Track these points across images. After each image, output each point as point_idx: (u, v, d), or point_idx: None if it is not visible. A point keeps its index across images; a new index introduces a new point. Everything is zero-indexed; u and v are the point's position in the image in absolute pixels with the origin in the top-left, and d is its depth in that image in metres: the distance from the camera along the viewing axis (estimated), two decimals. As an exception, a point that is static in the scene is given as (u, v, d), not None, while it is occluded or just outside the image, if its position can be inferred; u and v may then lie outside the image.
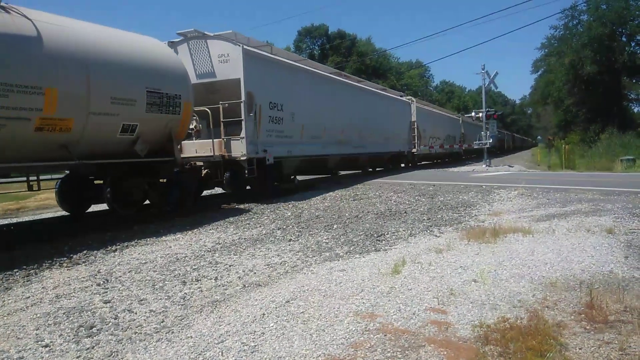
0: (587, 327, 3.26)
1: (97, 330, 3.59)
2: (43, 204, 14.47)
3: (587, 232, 6.32)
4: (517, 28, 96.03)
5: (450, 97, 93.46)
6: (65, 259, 6.03)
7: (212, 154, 10.90)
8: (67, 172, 9.39)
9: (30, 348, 3.28)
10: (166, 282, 4.86)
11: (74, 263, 5.87)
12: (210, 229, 7.97)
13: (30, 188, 8.16)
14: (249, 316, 3.75)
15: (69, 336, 3.49)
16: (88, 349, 3.26)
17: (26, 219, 10.92)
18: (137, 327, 3.63)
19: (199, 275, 5.10)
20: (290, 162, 13.59)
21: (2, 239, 7.73)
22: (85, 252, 6.36)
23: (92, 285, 4.83)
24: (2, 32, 6.40)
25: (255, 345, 3.19)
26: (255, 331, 3.44)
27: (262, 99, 11.76)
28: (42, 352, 3.21)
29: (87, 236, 7.36)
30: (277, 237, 7.12)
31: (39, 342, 3.37)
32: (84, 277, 5.16)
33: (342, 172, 20.10)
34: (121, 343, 3.34)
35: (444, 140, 31.10)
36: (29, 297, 4.53)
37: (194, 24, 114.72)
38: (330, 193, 12.73)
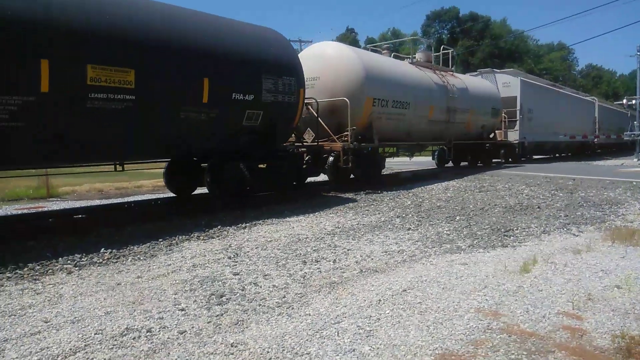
0: None
1: (226, 299, 3.88)
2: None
3: None
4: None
5: (597, 82, 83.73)
6: (202, 232, 6.61)
7: (499, 139, 18.75)
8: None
9: (169, 310, 3.65)
10: (288, 261, 5.09)
11: (209, 237, 6.42)
12: (330, 213, 8.15)
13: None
14: (365, 301, 3.77)
15: (202, 302, 3.82)
16: (217, 315, 3.53)
17: (171, 195, 12.18)
18: (261, 300, 3.86)
19: (319, 256, 5.25)
20: (531, 145, 21.49)
21: (150, 212, 8.72)
22: (219, 227, 6.91)
23: (223, 258, 5.24)
24: (459, 86, 15.52)
25: (370, 330, 3.20)
26: (370, 316, 3.44)
27: (525, 107, 20.41)
28: (178, 315, 3.55)
29: (221, 213, 7.99)
30: (396, 225, 7.05)
31: (177, 306, 3.74)
32: (217, 250, 5.62)
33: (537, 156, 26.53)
34: (246, 313, 3.57)
35: (616, 131, 34.92)
36: (170, 264, 5.05)
37: (315, 15, 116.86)
38: (453, 183, 12.25)
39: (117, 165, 7.84)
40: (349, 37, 68.15)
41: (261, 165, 9.27)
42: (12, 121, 5.49)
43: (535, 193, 10.08)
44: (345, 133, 10.65)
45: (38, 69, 5.52)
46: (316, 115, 10.56)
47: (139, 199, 10.93)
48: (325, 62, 11.25)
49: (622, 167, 18.46)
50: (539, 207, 8.31)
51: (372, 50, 14.26)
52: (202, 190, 10.08)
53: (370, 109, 11.39)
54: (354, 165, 10.73)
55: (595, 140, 30.65)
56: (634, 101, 25.03)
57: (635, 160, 22.34)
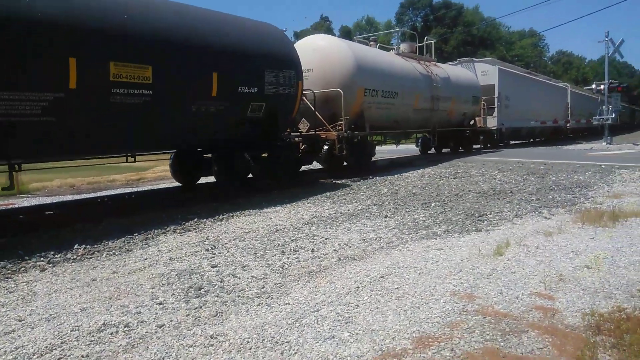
0: None
1: (205, 291, 3.87)
2: (159, 175, 15.79)
3: None
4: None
5: (567, 68, 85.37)
6: (178, 225, 6.54)
7: (479, 125, 19.33)
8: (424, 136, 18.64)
9: (146, 304, 3.62)
10: (267, 251, 5.09)
11: (186, 230, 6.36)
12: (307, 203, 8.17)
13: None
14: (343, 288, 3.81)
15: (180, 296, 3.80)
16: (196, 308, 3.52)
17: (145, 188, 12.01)
18: (240, 291, 3.86)
19: (297, 246, 5.27)
20: (508, 131, 22.52)
21: (124, 206, 8.59)
22: (195, 220, 6.85)
23: (201, 251, 5.21)
24: (442, 76, 16.03)
25: (349, 317, 3.24)
26: (349, 303, 3.49)
27: (503, 95, 21.35)
28: (156, 309, 3.53)
29: (197, 206, 7.92)
30: (373, 213, 7.11)
31: (154, 300, 3.71)
32: (194, 243, 5.58)
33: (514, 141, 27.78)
34: (226, 305, 3.57)
35: (587, 116, 35.49)
36: (146, 258, 4.99)
37: (288, 4, 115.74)
38: (429, 170, 12.40)
39: (129, 157, 8.28)
40: (323, 26, 67.81)
41: (263, 155, 9.78)
42: (43, 116, 5.84)
43: (507, 178, 10.29)
44: (339, 122, 11.12)
45: (67, 66, 5.87)
46: (311, 105, 10.95)
47: (112, 193, 10.75)
48: (318, 54, 11.63)
49: (591, 150, 18.97)
50: (511, 192, 8.49)
51: (360, 42, 14.58)
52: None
53: (362, 99, 11.91)
54: (348, 153, 11.27)
55: (568, 125, 31.93)
56: (602, 86, 25.62)
57: (604, 143, 22.96)
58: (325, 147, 11.42)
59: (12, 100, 5.52)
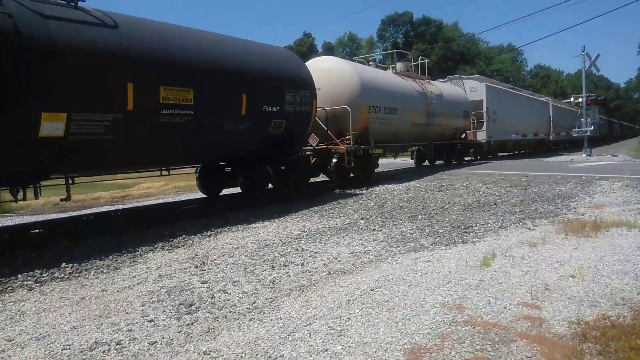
0: None
1: (196, 308, 3.87)
2: (145, 192, 15.69)
3: None
4: (620, 5, 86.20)
5: (545, 82, 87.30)
6: (166, 242, 6.52)
7: (469, 139, 20.21)
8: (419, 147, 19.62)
9: (137, 322, 3.61)
10: (256, 266, 5.10)
11: (174, 246, 6.34)
12: (295, 218, 8.20)
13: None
14: (334, 302, 3.84)
15: (171, 312, 3.79)
16: (188, 324, 3.52)
17: (131, 205, 11.92)
18: (231, 307, 3.87)
19: (287, 260, 5.29)
20: (496, 143, 23.91)
21: (110, 224, 8.52)
22: (183, 236, 6.84)
23: (190, 267, 5.19)
24: (436, 93, 16.92)
25: (341, 330, 3.27)
26: (341, 316, 3.52)
27: (490, 109, 22.49)
28: (147, 327, 3.51)
29: (185, 222, 7.89)
30: (361, 227, 7.17)
31: (145, 317, 3.70)
32: (183, 260, 5.56)
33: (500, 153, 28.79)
34: (217, 321, 3.58)
35: (567, 128, 36.80)
36: (135, 276, 4.96)
37: (269, 21, 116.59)
38: (414, 183, 12.54)
39: (163, 171, 9.07)
40: (306, 42, 68.42)
41: (282, 167, 10.71)
42: (105, 134, 6.60)
43: (491, 190, 10.46)
44: (347, 137, 12.00)
45: (125, 91, 6.68)
46: (321, 122, 11.90)
47: (98, 211, 10.65)
48: (326, 74, 12.41)
49: (572, 162, 19.36)
50: (495, 204, 8.64)
51: (359, 62, 15.42)
52: (166, 199, 9.91)
53: (367, 115, 12.87)
54: (355, 165, 12.14)
55: (551, 137, 33.25)
56: (580, 99, 26.19)
57: (584, 155, 23.43)
58: (334, 160, 12.22)
59: (82, 121, 6.27)
